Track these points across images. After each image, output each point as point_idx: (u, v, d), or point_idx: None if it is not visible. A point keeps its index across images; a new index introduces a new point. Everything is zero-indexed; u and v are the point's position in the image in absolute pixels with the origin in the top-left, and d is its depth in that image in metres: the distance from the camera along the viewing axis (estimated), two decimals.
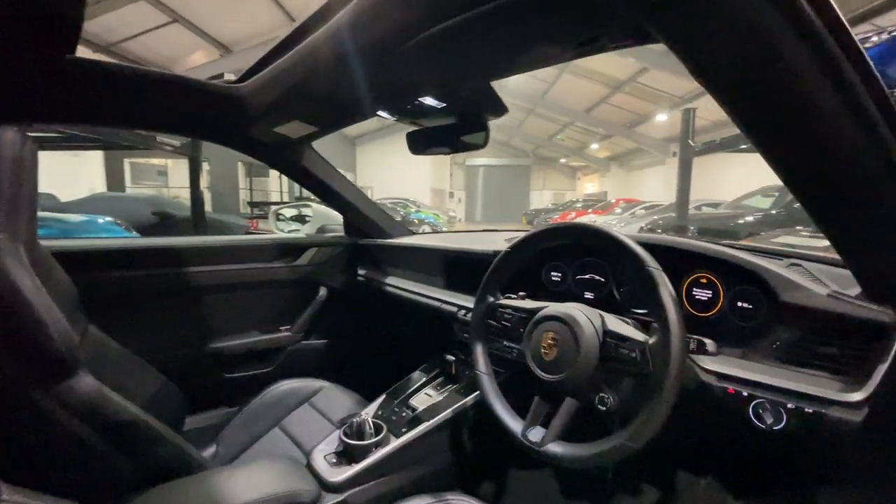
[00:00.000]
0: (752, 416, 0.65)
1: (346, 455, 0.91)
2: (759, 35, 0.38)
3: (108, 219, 4.34)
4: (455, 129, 1.00)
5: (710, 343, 0.68)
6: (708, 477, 0.91)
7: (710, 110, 9.87)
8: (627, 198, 13.40)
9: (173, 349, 1.33)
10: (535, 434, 0.72)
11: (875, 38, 4.15)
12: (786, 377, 0.66)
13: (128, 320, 1.23)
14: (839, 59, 0.38)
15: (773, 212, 6.63)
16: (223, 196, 9.53)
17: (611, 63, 10.14)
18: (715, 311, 0.80)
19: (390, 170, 17.83)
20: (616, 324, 0.70)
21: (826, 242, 0.57)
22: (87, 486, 0.48)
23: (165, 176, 11.31)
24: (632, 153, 16.89)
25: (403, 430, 0.97)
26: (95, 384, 0.73)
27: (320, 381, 1.32)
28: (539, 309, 0.78)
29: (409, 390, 1.12)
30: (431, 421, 0.97)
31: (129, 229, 4.37)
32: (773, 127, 0.47)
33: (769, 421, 0.63)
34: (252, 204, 9.57)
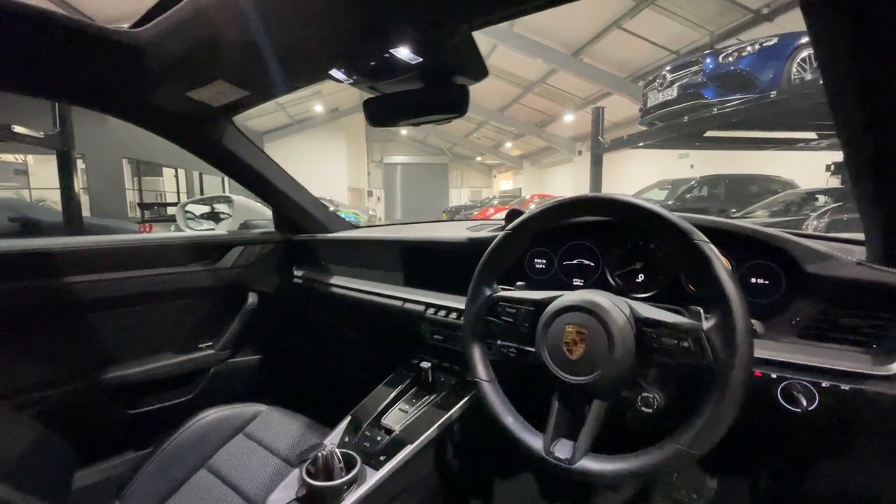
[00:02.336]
0: (780, 398, 0.59)
1: (312, 502, 0.72)
2: None
3: None
4: (424, 94, 0.85)
5: (757, 324, 0.61)
6: (735, 473, 0.87)
7: (611, 111, 10.74)
8: (541, 193, 14.10)
9: (53, 385, 1.01)
10: (563, 449, 0.60)
11: (749, 49, 4.70)
12: (808, 353, 0.61)
13: None
14: None
15: (670, 202, 7.40)
16: (105, 197, 8.23)
17: (523, 64, 10.55)
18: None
19: (303, 168, 16.84)
20: (648, 310, 0.60)
21: None
22: None
23: (25, 175, 9.41)
24: (543, 151, 17.83)
25: (382, 458, 0.79)
26: None
27: (256, 404, 1.09)
28: (551, 299, 0.66)
29: (379, 408, 0.94)
30: (416, 443, 0.81)
31: None
32: None
33: (803, 403, 0.57)
34: (143, 206, 8.37)
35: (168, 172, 11.39)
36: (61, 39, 0.73)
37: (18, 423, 0.83)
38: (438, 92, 0.83)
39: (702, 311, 0.56)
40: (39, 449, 0.84)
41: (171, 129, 1.04)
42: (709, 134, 5.40)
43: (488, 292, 0.74)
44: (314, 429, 1.03)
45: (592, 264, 0.90)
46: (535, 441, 0.63)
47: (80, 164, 7.52)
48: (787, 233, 0.71)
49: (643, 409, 0.57)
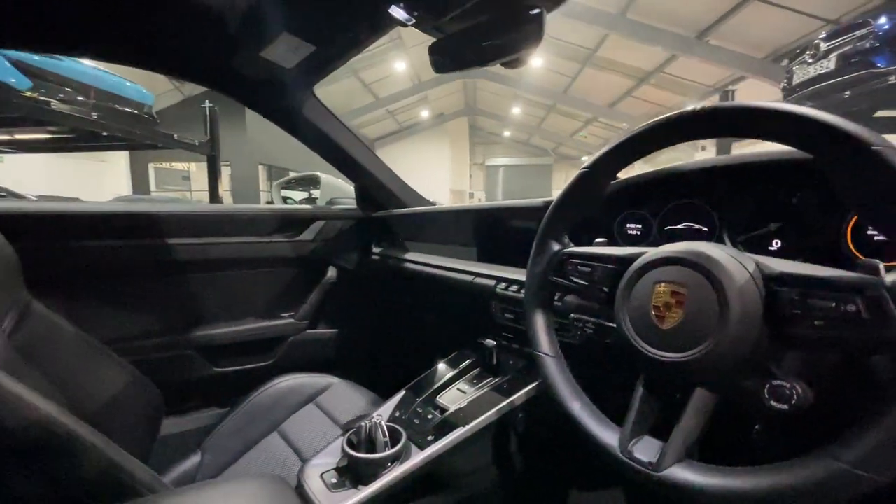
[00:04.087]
0: None
1: (350, 473, 0.65)
2: None
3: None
4: (490, 27, 0.74)
5: None
6: None
7: (744, 97, 9.37)
8: None
9: (149, 338, 1.11)
10: (646, 450, 0.44)
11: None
12: None
13: (91, 300, 1.01)
14: None
15: None
16: (244, 197, 9.52)
17: (636, 53, 9.73)
18: None
19: (409, 171, 17.70)
20: (786, 265, 0.41)
21: None
22: None
23: (189, 180, 11.41)
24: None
25: (430, 438, 0.70)
26: None
27: (329, 376, 1.09)
28: (639, 254, 0.50)
29: (436, 386, 0.85)
30: (468, 426, 0.70)
31: None
32: None
33: None
34: (271, 205, 9.60)
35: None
36: (144, 7, 0.77)
37: (122, 367, 0.90)
38: (507, 22, 0.71)
39: (881, 265, 0.36)
40: (135, 392, 0.92)
41: (253, 96, 1.08)
42: (881, 114, 4.32)
43: (557, 247, 0.59)
44: (378, 404, 0.98)
45: (706, 229, 0.70)
46: (609, 436, 0.47)
47: (226, 171, 8.86)
48: None
49: (774, 404, 0.38)
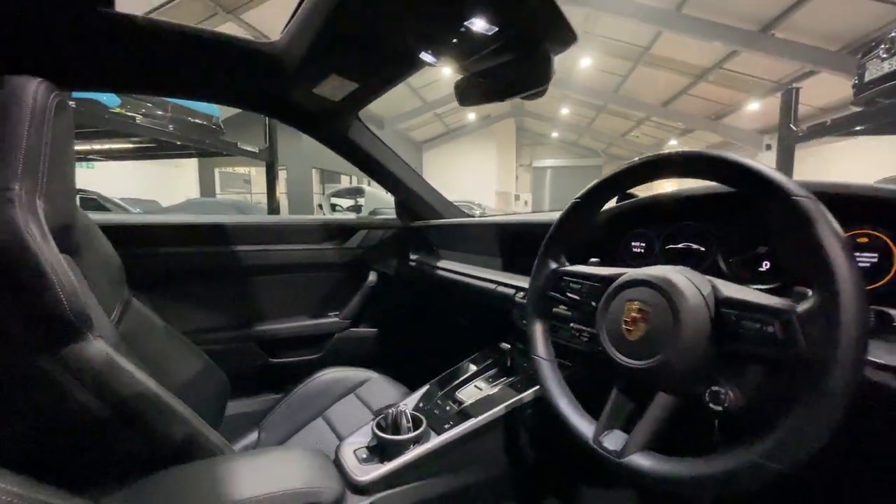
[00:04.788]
0: None
1: (378, 451, 0.78)
2: None
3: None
4: (513, 67, 0.83)
5: None
6: None
7: (815, 94, 8.70)
8: None
9: (219, 330, 1.30)
10: (613, 440, 0.53)
11: None
12: None
13: (174, 297, 1.21)
14: None
15: None
16: (299, 199, 10.09)
17: (692, 50, 9.28)
18: (886, 280, 0.55)
19: (455, 174, 17.93)
20: (735, 289, 0.49)
21: None
22: (94, 464, 0.41)
23: (249, 183, 12.24)
24: (717, 148, 15.37)
25: (447, 426, 0.81)
26: (105, 351, 0.66)
27: (368, 371, 1.22)
28: (619, 275, 0.58)
29: (456, 381, 0.96)
30: (480, 417, 0.80)
31: None
32: None
33: None
34: (322, 207, 10.12)
35: (346, 178, 13.39)
36: (228, 53, 0.94)
37: (197, 355, 1.08)
38: (520, 63, 0.81)
39: (809, 292, 0.43)
40: (207, 376, 1.09)
41: (307, 123, 1.24)
42: None
43: (554, 266, 0.69)
44: (406, 396, 1.10)
45: (703, 249, 0.76)
46: (586, 428, 0.57)
47: (283, 174, 9.45)
48: None
49: (712, 406, 0.46)
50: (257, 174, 11.92)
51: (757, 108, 10.99)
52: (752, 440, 0.41)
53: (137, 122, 3.58)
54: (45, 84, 0.69)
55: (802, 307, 0.41)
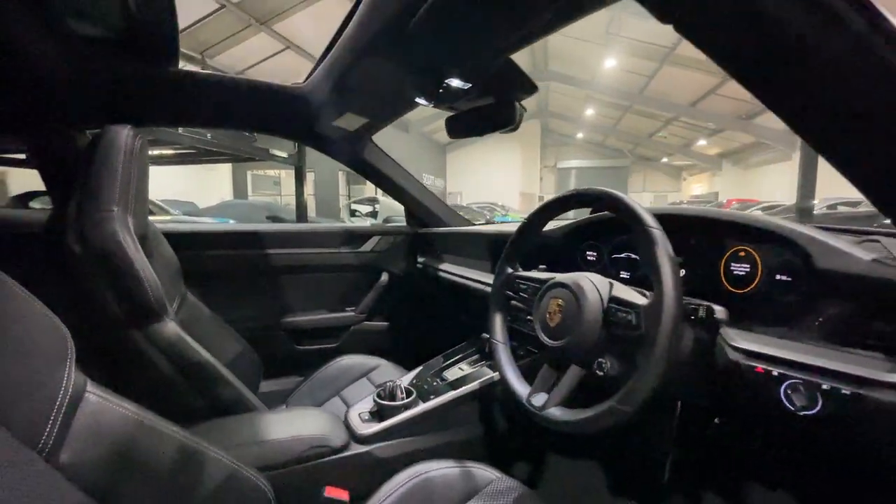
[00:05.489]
0: (783, 398, 0.58)
1: (377, 414, 0.99)
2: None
3: (233, 222, 5.10)
4: (488, 110, 1.04)
5: (720, 310, 0.62)
6: (743, 468, 0.82)
7: None
8: (741, 198, 11.95)
9: (255, 320, 1.54)
10: (539, 399, 0.72)
11: None
12: (828, 357, 0.58)
13: (219, 292, 1.45)
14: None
15: None
16: (325, 201, 10.50)
17: None
18: (753, 286, 0.72)
19: (479, 175, 18.07)
20: (621, 290, 0.67)
21: None
22: (163, 413, 0.61)
23: (279, 185, 12.79)
24: (749, 149, 15.00)
25: (432, 396, 1.02)
26: (177, 330, 0.91)
27: (378, 358, 1.43)
28: (550, 279, 0.78)
29: (444, 364, 1.17)
30: (459, 390, 1.01)
31: None
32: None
33: (799, 403, 0.56)
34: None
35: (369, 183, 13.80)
36: (266, 95, 1.18)
37: (237, 339, 1.32)
38: (491, 108, 1.01)
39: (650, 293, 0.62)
40: (244, 358, 1.33)
41: (329, 147, 1.47)
42: None
43: (510, 270, 0.89)
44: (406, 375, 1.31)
45: (637, 257, 0.94)
46: (522, 389, 0.76)
47: (312, 176, 9.86)
48: (814, 226, 0.66)
49: (597, 372, 0.65)
50: (286, 176, 12.43)
51: None
52: (613, 393, 0.60)
53: (180, 132, 3.95)
54: (133, 130, 0.94)
55: (645, 303, 0.59)
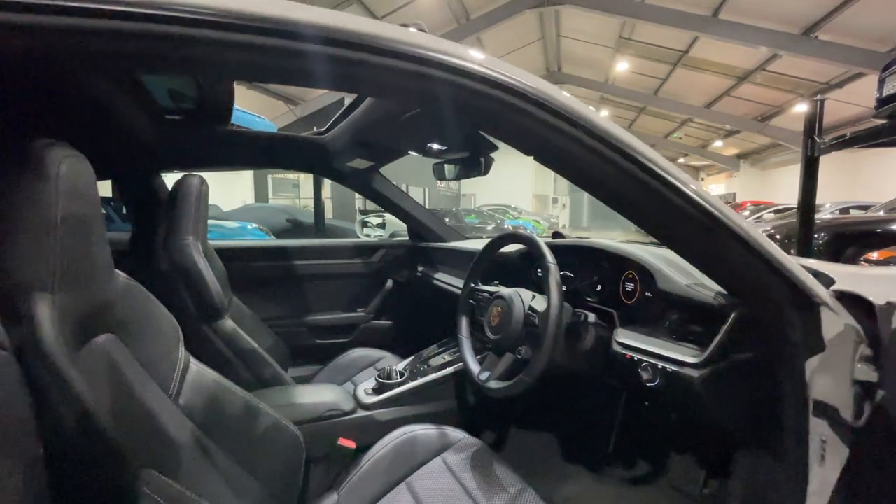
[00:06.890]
0: (640, 374, 0.89)
1: (378, 389, 1.33)
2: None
3: (255, 225, 5.54)
4: (462, 161, 1.36)
5: (591, 315, 0.94)
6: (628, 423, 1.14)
7: (867, 95, 8.39)
8: (756, 200, 11.91)
9: (284, 318, 1.90)
10: (484, 375, 1.04)
11: None
12: (664, 347, 0.88)
13: (257, 295, 1.82)
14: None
15: None
16: (342, 205, 10.92)
17: (733, 53, 9.18)
18: (635, 299, 1.03)
19: (492, 177, 18.23)
20: (536, 302, 0.99)
21: None
22: None
23: (298, 188, 13.31)
24: (767, 149, 14.89)
25: (419, 377, 1.35)
26: (233, 324, 1.26)
27: (383, 351, 1.76)
28: (495, 291, 1.10)
29: (431, 354, 1.50)
30: (439, 373, 1.34)
31: (268, 233, 5.51)
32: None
33: (646, 377, 0.87)
34: (362, 212, 10.88)
35: None
36: (296, 143, 1.53)
37: (269, 333, 1.68)
38: (466, 160, 1.33)
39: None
40: (276, 347, 1.69)
41: (346, 180, 1.82)
42: None
43: (472, 284, 1.21)
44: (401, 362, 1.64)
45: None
46: (475, 369, 1.09)
47: (328, 181, 10.27)
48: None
49: (519, 356, 0.98)
50: (305, 179, 12.94)
51: (806, 110, 10.65)
52: (525, 371, 0.92)
53: None
54: (200, 178, 1.30)
55: (542, 309, 0.91)
